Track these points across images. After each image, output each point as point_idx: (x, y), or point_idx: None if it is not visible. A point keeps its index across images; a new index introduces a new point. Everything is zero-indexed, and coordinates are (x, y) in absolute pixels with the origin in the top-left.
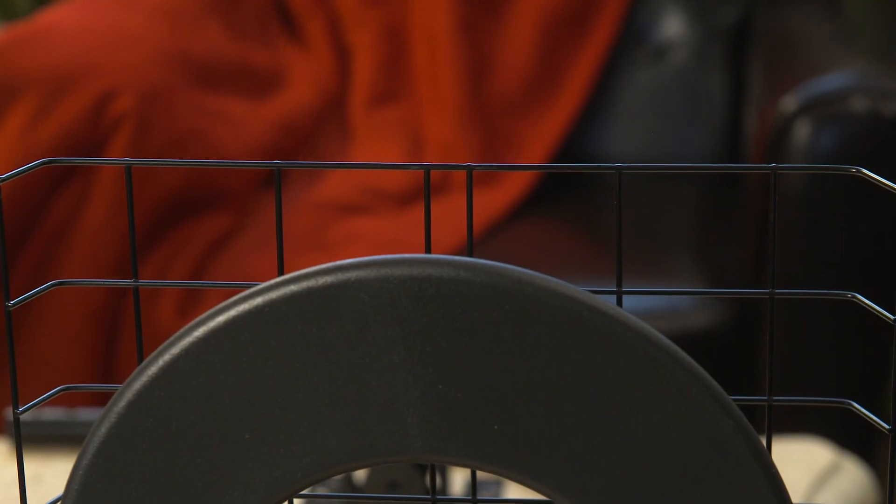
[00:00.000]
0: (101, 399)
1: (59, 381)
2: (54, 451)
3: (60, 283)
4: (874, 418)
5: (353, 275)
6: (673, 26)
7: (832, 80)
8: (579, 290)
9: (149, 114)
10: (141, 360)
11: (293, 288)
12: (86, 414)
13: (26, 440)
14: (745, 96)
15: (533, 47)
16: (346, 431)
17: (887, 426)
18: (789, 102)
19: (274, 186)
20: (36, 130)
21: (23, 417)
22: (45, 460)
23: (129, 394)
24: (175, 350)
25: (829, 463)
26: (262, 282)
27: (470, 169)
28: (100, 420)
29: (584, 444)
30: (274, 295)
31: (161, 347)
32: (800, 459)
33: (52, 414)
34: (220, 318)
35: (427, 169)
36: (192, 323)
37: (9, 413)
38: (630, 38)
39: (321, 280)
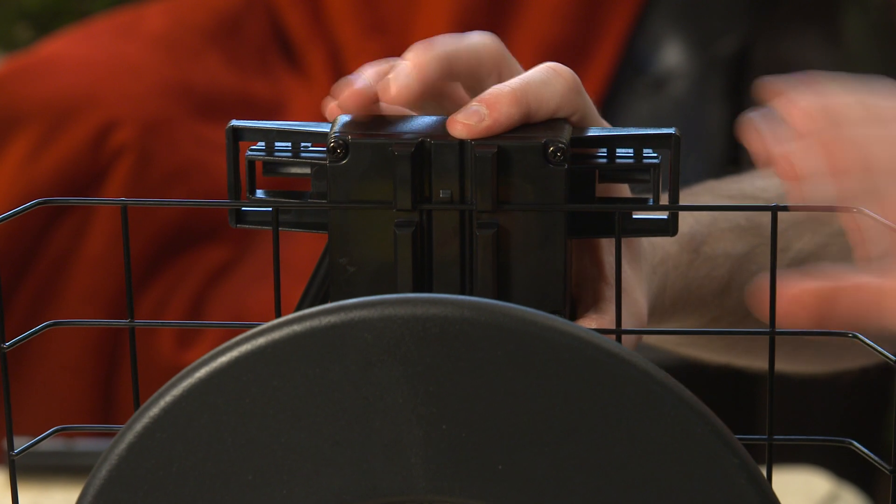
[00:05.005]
0: (99, 431)
1: (58, 411)
2: (52, 482)
3: (55, 324)
4: (875, 458)
5: (356, 315)
6: (672, 57)
7: None
8: (583, 329)
9: (149, 145)
10: (137, 401)
11: (296, 328)
12: (84, 445)
13: (24, 471)
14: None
15: None
16: (349, 472)
17: (888, 466)
18: None
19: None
20: (37, 161)
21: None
22: (42, 491)
23: (130, 435)
24: (177, 391)
25: (828, 493)
26: (263, 313)
27: (470, 209)
28: (100, 462)
29: (589, 483)
30: (276, 335)
31: (163, 388)
32: (798, 490)
33: (49, 445)
34: (223, 359)
35: (426, 209)
36: (194, 363)
37: (5, 443)
38: (629, 69)
39: (324, 320)
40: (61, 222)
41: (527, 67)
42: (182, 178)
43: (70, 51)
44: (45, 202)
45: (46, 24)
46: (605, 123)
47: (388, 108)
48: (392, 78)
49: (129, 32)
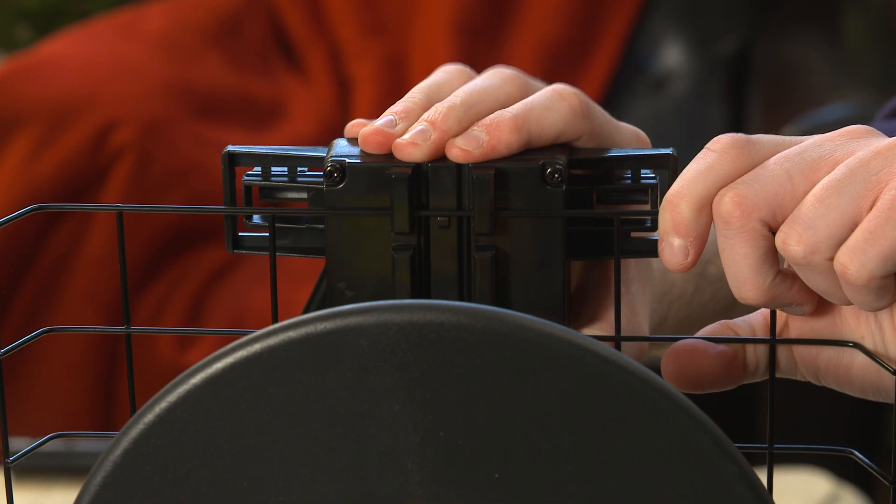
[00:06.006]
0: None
1: (58, 413)
2: (52, 483)
3: (50, 331)
4: (875, 469)
5: (352, 321)
6: (672, 57)
7: (832, 111)
8: (580, 335)
9: (149, 145)
10: (134, 406)
11: (292, 334)
12: (84, 446)
13: (24, 472)
14: (745, 127)
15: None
16: (345, 479)
17: (889, 477)
18: (789, 133)
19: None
20: (37, 162)
21: (14, 455)
22: (42, 492)
23: (126, 442)
24: (172, 397)
25: (828, 493)
26: (263, 314)
27: (467, 215)
28: (96, 468)
29: (586, 491)
30: (272, 341)
31: (158, 395)
32: (798, 491)
33: (49, 446)
34: (218, 365)
35: (423, 215)
36: (190, 369)
37: None
38: (629, 69)
39: (320, 326)
40: (61, 224)
41: (527, 68)
42: (182, 178)
43: (70, 51)
44: (40, 208)
45: (46, 24)
46: (622, 139)
47: None
48: (410, 140)
49: (129, 32)
